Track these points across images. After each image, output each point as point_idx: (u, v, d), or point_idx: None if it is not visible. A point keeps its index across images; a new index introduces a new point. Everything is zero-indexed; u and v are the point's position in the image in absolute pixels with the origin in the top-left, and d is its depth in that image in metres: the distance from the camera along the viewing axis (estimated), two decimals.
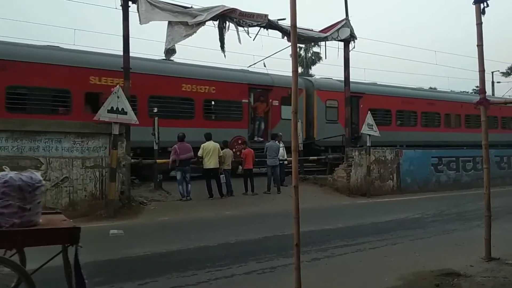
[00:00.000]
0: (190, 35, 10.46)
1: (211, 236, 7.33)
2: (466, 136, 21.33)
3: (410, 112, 20.12)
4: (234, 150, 13.41)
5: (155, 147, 11.87)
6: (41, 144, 8.72)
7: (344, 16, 13.60)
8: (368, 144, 13.44)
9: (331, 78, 18.79)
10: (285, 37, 11.90)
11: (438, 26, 77.40)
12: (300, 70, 35.80)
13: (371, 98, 18.32)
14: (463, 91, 31.18)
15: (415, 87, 23.04)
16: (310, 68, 39.32)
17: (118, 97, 9.27)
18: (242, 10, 11.17)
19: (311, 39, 13.88)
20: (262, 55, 14.68)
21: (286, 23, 11.42)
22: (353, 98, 17.45)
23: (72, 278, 3.08)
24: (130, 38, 10.24)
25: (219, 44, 11.11)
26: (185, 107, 13.97)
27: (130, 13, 10.13)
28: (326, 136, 16.45)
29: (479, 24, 5.59)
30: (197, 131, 12.63)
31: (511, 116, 24.78)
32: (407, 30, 71.47)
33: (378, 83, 20.84)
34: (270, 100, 15.77)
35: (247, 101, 15.40)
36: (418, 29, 73.58)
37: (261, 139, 15.19)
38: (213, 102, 14.89)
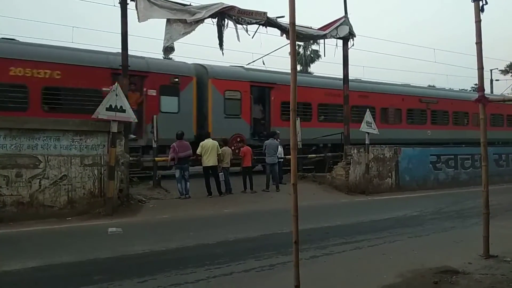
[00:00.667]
0: (189, 32, 10.44)
1: (210, 234, 7.33)
2: (407, 133, 18.94)
3: (335, 106, 16.49)
4: (233, 148, 13.40)
5: (154, 145, 11.88)
6: (39, 142, 8.68)
7: (343, 14, 13.60)
8: (366, 142, 13.44)
9: (243, 66, 15.97)
10: (284, 35, 11.89)
11: (438, 24, 77.45)
12: (299, 68, 35.78)
13: (285, 89, 15.85)
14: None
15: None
16: (309, 66, 39.30)
17: (116, 95, 9.25)
18: (241, 7, 11.15)
19: (310, 37, 13.88)
20: (261, 53, 14.48)
21: (285, 20, 11.41)
22: (263, 89, 15.70)
23: None
24: (128, 36, 10.24)
25: (217, 41, 11.10)
26: (15, 95, 11.34)
27: (128, 10, 10.12)
28: (224, 132, 13.53)
29: (478, 22, 5.59)
30: None
31: (464, 111, 22.07)
32: (407, 29, 71.49)
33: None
34: (145, 89, 13.12)
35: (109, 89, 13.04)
36: (418, 28, 73.61)
37: (134, 136, 12.35)
38: (57, 91, 11.98)
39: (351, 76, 14.70)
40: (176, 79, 13.74)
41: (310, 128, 15.71)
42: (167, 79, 13.48)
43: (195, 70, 14.55)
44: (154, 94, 13.26)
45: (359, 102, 17.63)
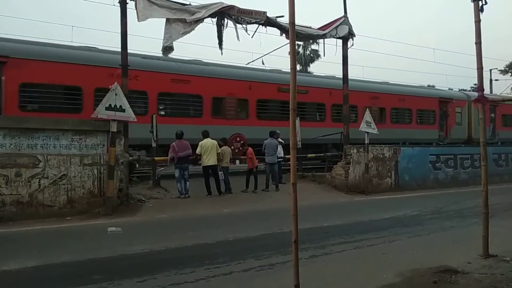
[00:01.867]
0: (188, 32, 10.44)
1: (209, 233, 7.33)
2: (257, 132, 14.76)
3: (186, 96, 13.82)
4: (232, 147, 13.39)
5: (153, 145, 11.86)
6: (39, 142, 8.68)
7: (342, 14, 13.61)
8: (366, 142, 13.44)
9: None
10: (284, 35, 11.90)
11: (437, 24, 77.53)
12: (298, 67, 35.79)
13: (29, 66, 11.03)
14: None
15: (193, 59, 15.20)
16: (309, 65, 39.36)
17: (116, 94, 9.24)
18: (241, 7, 11.16)
19: (309, 37, 13.87)
20: (261, 53, 14.34)
21: (285, 20, 11.41)
22: None
23: None
24: (128, 35, 10.24)
25: (217, 41, 11.09)
26: None
27: (128, 10, 10.11)
28: None
29: (478, 22, 5.59)
30: None
31: (350, 104, 17.60)
32: (407, 29, 71.50)
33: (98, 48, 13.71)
34: None
35: None
36: (418, 28, 73.65)
37: None
38: None
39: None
40: None
41: (147, 124, 11.68)
42: None
43: None
44: None
45: (176, 89, 13.87)
